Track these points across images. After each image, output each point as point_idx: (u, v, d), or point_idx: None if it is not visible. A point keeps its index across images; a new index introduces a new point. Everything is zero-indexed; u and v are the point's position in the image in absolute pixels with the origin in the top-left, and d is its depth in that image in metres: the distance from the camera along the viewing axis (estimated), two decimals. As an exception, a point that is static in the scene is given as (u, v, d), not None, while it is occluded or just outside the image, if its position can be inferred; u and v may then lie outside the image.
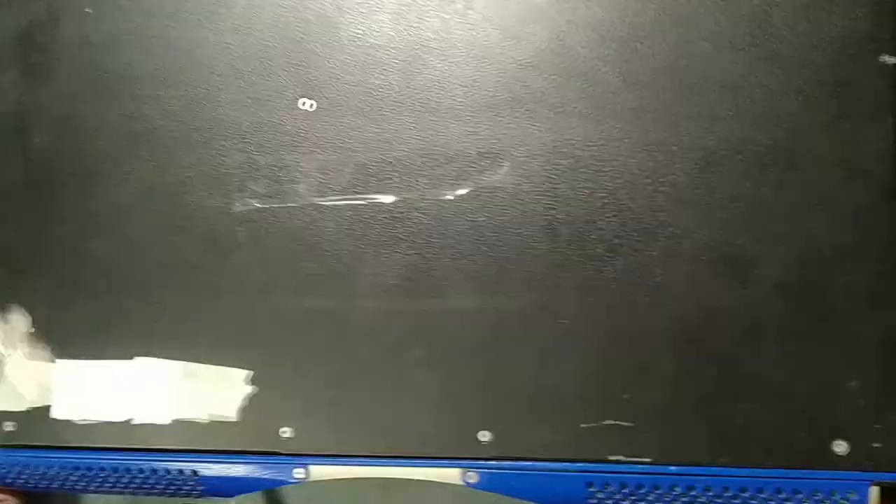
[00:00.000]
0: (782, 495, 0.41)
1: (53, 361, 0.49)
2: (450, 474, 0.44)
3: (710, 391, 0.41)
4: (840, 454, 0.40)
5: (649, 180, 0.42)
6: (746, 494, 0.41)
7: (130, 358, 0.48)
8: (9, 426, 0.50)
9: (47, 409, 0.49)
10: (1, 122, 0.51)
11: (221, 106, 0.48)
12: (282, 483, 0.46)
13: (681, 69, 0.42)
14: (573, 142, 0.43)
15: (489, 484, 0.44)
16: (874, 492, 0.40)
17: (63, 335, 0.50)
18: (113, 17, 0.50)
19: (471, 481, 0.44)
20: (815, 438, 0.41)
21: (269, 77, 0.47)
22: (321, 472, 0.46)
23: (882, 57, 0.40)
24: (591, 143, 0.43)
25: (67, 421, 0.49)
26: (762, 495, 0.41)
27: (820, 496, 0.40)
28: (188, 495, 0.48)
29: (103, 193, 0.49)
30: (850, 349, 0.40)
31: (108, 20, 0.50)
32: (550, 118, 0.44)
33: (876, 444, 0.40)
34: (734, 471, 0.41)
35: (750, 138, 0.41)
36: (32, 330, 0.50)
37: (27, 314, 0.50)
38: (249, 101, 0.47)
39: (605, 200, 0.43)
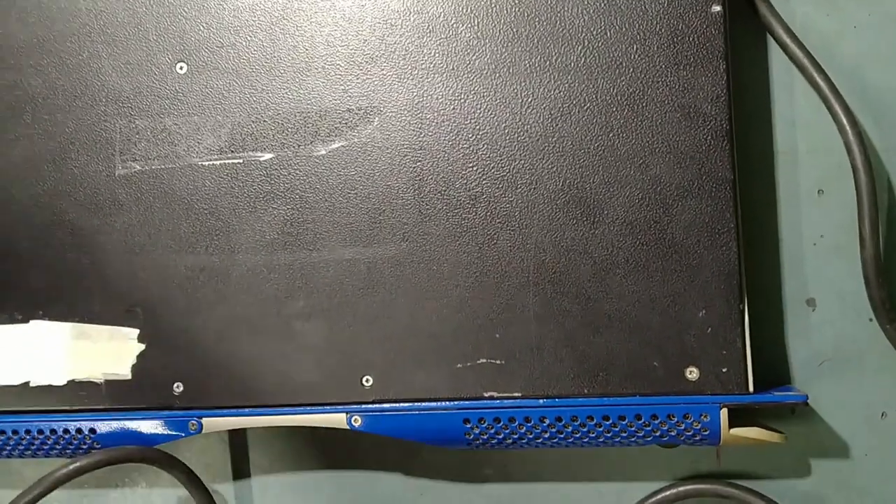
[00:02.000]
0: (642, 420, 0.48)
1: None
2: (336, 419, 0.52)
3: (571, 327, 0.49)
4: (692, 380, 0.48)
5: (506, 132, 0.50)
6: (609, 422, 0.48)
7: (22, 321, 0.55)
8: None
9: None
10: None
11: (101, 73, 0.55)
12: (177, 437, 0.53)
13: (530, 23, 0.49)
14: (435, 97, 0.50)
15: (373, 426, 0.51)
16: (724, 413, 0.47)
17: None
18: None
19: (356, 424, 0.51)
20: (669, 367, 0.48)
21: (144, 43, 0.54)
22: (214, 423, 0.53)
23: (712, 7, 0.48)
24: (451, 98, 0.50)
25: None
26: (623, 422, 0.48)
27: (676, 419, 0.48)
28: (86, 452, 0.57)
29: None
30: (695, 281, 0.48)
31: None
32: (413, 74, 0.51)
33: (724, 370, 0.47)
34: (597, 400, 0.49)
35: (596, 88, 0.49)
36: None
37: None
38: (127, 66, 0.54)
39: (467, 152, 0.50)
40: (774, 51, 0.53)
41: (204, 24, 0.54)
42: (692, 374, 0.49)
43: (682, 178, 0.48)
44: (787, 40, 0.51)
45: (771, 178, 0.53)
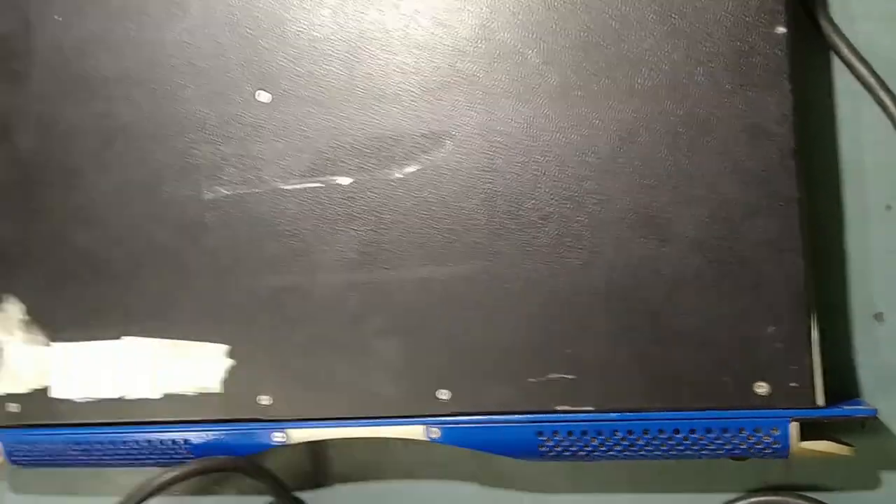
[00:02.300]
0: (712, 434, 0.49)
1: (49, 345, 0.60)
2: (414, 431, 0.54)
3: (641, 343, 0.50)
4: (762, 395, 0.49)
5: (575, 153, 0.51)
6: (680, 435, 0.50)
7: (119, 338, 0.59)
8: (12, 407, 0.61)
9: (46, 389, 0.60)
10: None
11: (187, 102, 0.58)
12: (265, 447, 0.56)
13: (597, 48, 0.51)
14: (505, 120, 0.52)
15: (450, 438, 0.53)
16: (793, 427, 0.48)
17: (55, 320, 0.60)
18: (81, 23, 0.60)
19: (433, 436, 0.54)
20: (739, 381, 0.49)
21: (226, 73, 0.57)
22: (299, 434, 0.56)
23: (776, 28, 0.49)
24: (521, 121, 0.52)
25: (66, 400, 0.60)
26: (694, 435, 0.49)
27: (746, 433, 0.49)
28: (180, 462, 0.60)
29: (84, 188, 0.60)
30: (763, 298, 0.49)
31: (76, 27, 0.60)
32: (483, 100, 0.53)
33: (793, 384, 0.48)
34: (668, 414, 0.50)
35: (663, 109, 0.50)
36: (27, 317, 0.61)
37: (21, 302, 0.61)
38: (212, 96, 0.57)
39: (537, 173, 0.52)
40: (839, 68, 0.53)
41: (284, 55, 0.57)
42: (761, 388, 0.50)
43: (749, 196, 0.50)
44: (852, 58, 0.52)
45: (838, 194, 0.54)
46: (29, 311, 0.61)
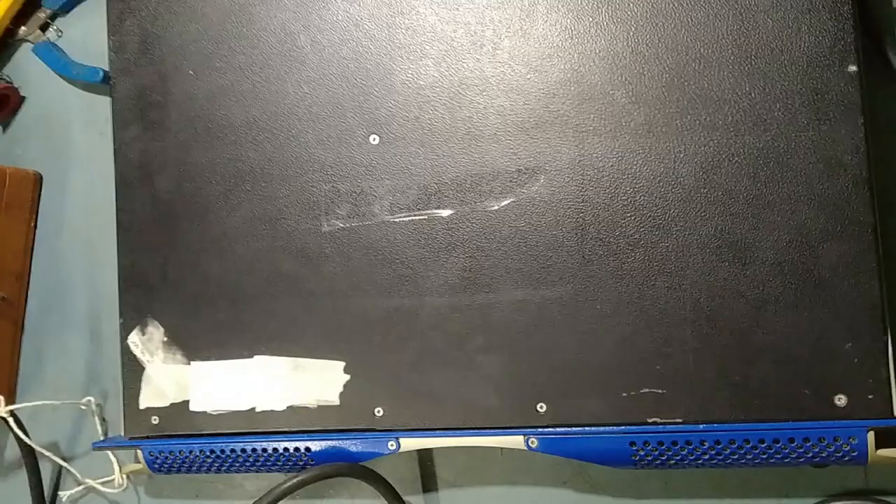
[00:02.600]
0: (794, 443, 0.52)
1: (187, 363, 0.66)
2: (514, 441, 0.57)
3: (726, 359, 0.53)
4: (840, 406, 0.51)
5: (661, 183, 0.55)
6: (764, 445, 0.52)
7: (249, 356, 0.64)
8: (155, 419, 0.67)
9: (185, 403, 0.66)
10: (130, 169, 0.68)
11: (306, 145, 0.63)
12: (378, 455, 0.61)
13: (680, 87, 0.55)
14: (595, 155, 0.56)
15: (548, 447, 0.57)
16: (871, 436, 0.51)
17: (192, 341, 0.66)
18: (211, 77, 0.66)
19: (533, 446, 0.57)
20: (819, 394, 0.52)
21: (341, 119, 0.62)
22: (409, 443, 0.60)
23: (849, 66, 0.52)
24: (609, 156, 0.56)
25: (203, 412, 0.65)
26: (777, 445, 0.52)
27: (825, 442, 0.51)
28: (303, 468, 0.65)
29: (217, 223, 0.65)
30: (841, 316, 0.51)
31: (207, 80, 0.66)
32: (574, 137, 0.57)
33: (870, 396, 0.51)
34: (752, 425, 0.53)
35: (743, 142, 0.53)
36: (167, 339, 0.67)
37: (161, 326, 0.67)
38: (328, 139, 0.63)
39: (625, 202, 0.56)
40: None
41: (392, 102, 0.62)
42: (840, 400, 0.52)
43: (826, 222, 0.52)
44: None
45: (913, 217, 0.56)
46: (169, 334, 0.67)
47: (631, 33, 0.56)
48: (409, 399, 0.61)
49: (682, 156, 0.55)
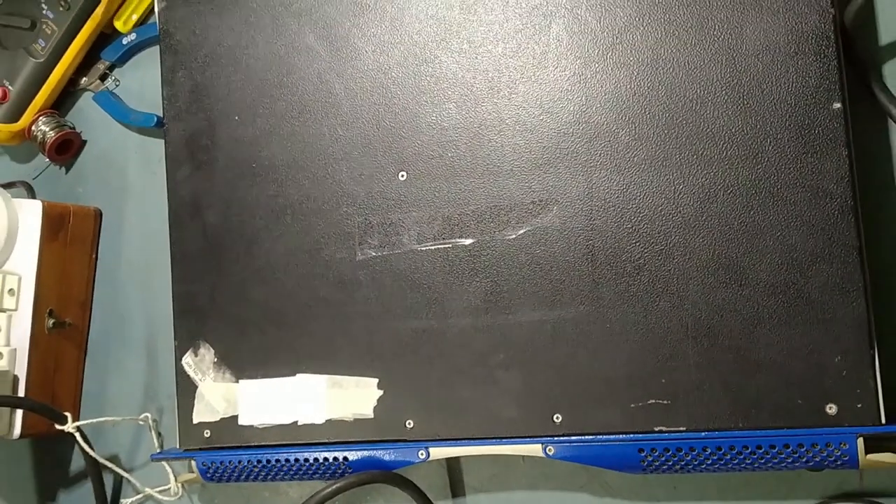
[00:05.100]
0: (789, 449, 0.53)
1: (236, 382, 0.68)
2: (533, 449, 0.59)
3: (726, 372, 0.55)
4: (832, 415, 0.53)
5: (662, 213, 0.57)
6: (762, 450, 0.54)
7: (291, 375, 0.67)
8: (207, 433, 0.69)
9: (234, 418, 0.68)
10: (181, 206, 0.71)
11: (341, 182, 0.66)
12: (409, 463, 0.63)
13: (679, 126, 0.57)
14: (602, 188, 0.58)
15: (564, 454, 0.58)
16: (860, 442, 0.52)
17: (240, 361, 0.68)
18: (254, 121, 0.69)
19: (550, 453, 0.59)
20: (811, 403, 0.53)
21: (373, 158, 0.65)
22: (438, 452, 0.62)
23: (833, 104, 0.53)
24: (615, 188, 0.58)
25: (250, 426, 0.68)
26: (774, 450, 0.53)
27: (819, 447, 0.52)
28: (341, 476, 0.66)
29: (261, 253, 0.68)
30: (831, 332, 0.53)
31: (251, 124, 0.69)
32: (583, 171, 0.59)
33: (858, 405, 0.52)
34: (750, 433, 0.54)
35: (737, 174, 0.55)
36: (216, 360, 0.69)
37: (211, 348, 0.69)
38: (362, 177, 0.65)
39: (630, 230, 0.58)
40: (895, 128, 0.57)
41: (418, 142, 0.64)
42: (831, 409, 0.53)
43: (814, 246, 0.54)
44: None
45: (896, 239, 0.57)
46: (219, 355, 0.69)
47: (633, 77, 0.59)
48: (437, 411, 0.63)
49: (681, 187, 0.57)
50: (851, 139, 0.54)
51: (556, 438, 0.59)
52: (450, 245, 0.63)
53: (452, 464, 0.69)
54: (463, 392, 0.62)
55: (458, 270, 0.63)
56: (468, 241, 0.63)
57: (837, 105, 0.54)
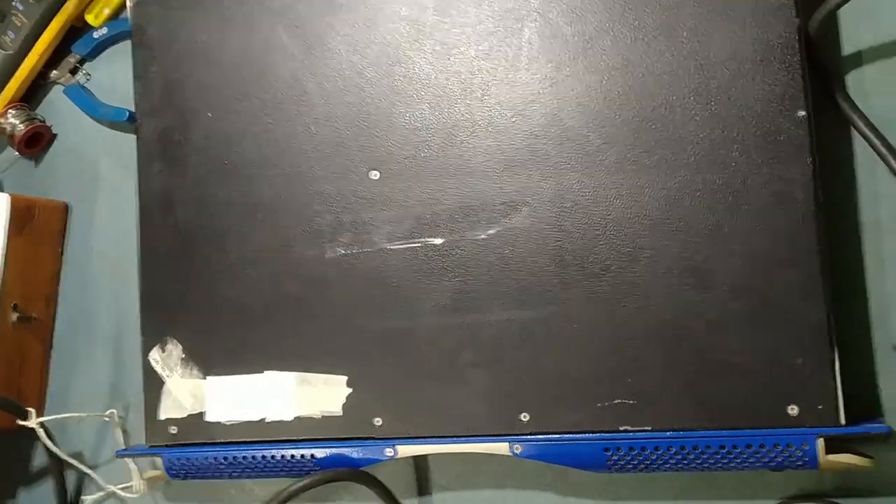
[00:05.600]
0: (751, 449, 0.54)
1: (203, 378, 0.67)
2: (500, 447, 0.59)
3: (690, 373, 0.55)
4: (793, 415, 0.53)
5: (630, 216, 0.57)
6: (724, 450, 0.54)
7: (260, 371, 0.66)
8: (173, 429, 0.68)
9: (201, 414, 0.67)
10: (152, 201, 0.70)
11: (313, 180, 0.65)
12: (376, 461, 0.62)
13: (647, 130, 0.57)
14: (572, 190, 0.58)
15: (530, 453, 0.58)
16: (820, 442, 0.52)
17: (208, 358, 0.67)
18: (228, 119, 0.68)
19: (517, 452, 0.59)
20: (773, 404, 0.54)
21: (345, 156, 0.64)
22: (405, 450, 0.61)
23: (798, 112, 0.54)
24: (585, 191, 0.58)
25: (217, 422, 0.67)
26: (736, 450, 0.54)
27: (780, 448, 0.53)
28: (308, 474, 0.65)
29: (231, 250, 0.67)
30: (792, 335, 0.53)
31: (224, 121, 0.68)
32: (554, 174, 0.59)
33: (819, 406, 0.53)
34: (713, 433, 0.54)
35: (704, 179, 0.56)
36: (184, 356, 0.68)
37: (179, 344, 0.68)
38: (334, 175, 0.64)
39: (598, 233, 0.58)
40: (858, 138, 0.58)
41: (391, 141, 0.64)
42: (793, 410, 0.54)
43: (778, 250, 0.55)
44: (866, 130, 0.56)
45: (859, 245, 0.58)
46: (187, 351, 0.69)
47: (604, 82, 0.59)
48: (405, 410, 0.63)
49: (649, 191, 0.58)
50: (815, 147, 0.55)
51: (522, 437, 0.59)
52: (420, 244, 0.63)
53: (420, 462, 0.68)
54: (431, 390, 0.62)
55: (428, 270, 0.63)
56: (438, 241, 0.62)
57: (802, 113, 0.55)
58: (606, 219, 0.59)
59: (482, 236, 0.61)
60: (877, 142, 0.56)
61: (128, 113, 0.77)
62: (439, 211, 0.63)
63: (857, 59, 0.59)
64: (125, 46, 0.77)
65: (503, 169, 0.61)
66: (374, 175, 0.64)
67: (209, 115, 0.69)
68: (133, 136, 0.73)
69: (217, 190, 0.69)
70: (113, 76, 0.81)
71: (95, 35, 0.81)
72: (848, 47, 0.59)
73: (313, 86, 0.67)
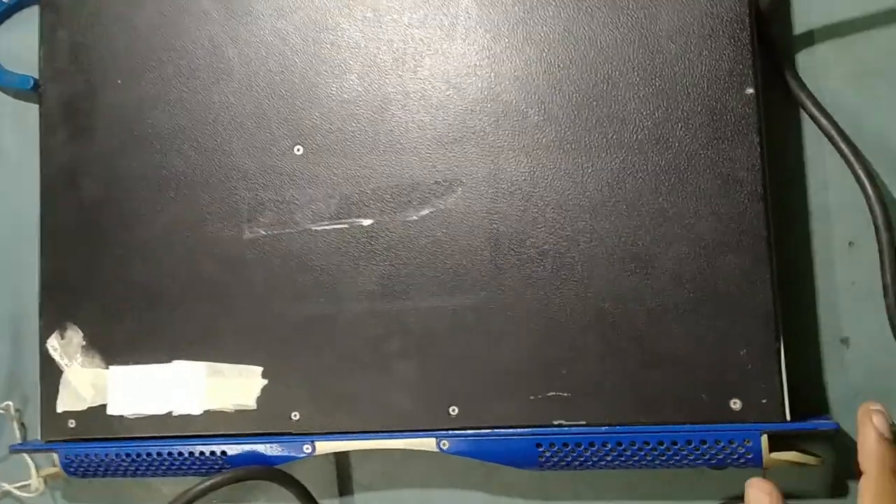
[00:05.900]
0: (692, 445, 0.51)
1: (105, 367, 0.62)
2: (427, 443, 0.56)
3: (628, 364, 0.52)
4: (736, 410, 0.51)
5: (569, 197, 0.54)
6: (663, 447, 0.51)
7: (167, 361, 0.61)
8: (71, 423, 0.63)
9: (103, 407, 0.63)
10: (55, 175, 0.65)
11: (231, 154, 0.61)
12: (294, 458, 0.58)
13: (589, 107, 0.54)
14: (509, 170, 0.55)
15: (458, 449, 0.55)
16: (764, 439, 0.50)
17: (111, 345, 0.63)
18: (139, 86, 0.63)
19: (444, 448, 0.55)
20: (716, 398, 0.51)
21: (267, 129, 0.60)
22: (325, 446, 0.58)
23: (746, 89, 0.52)
24: (522, 170, 0.55)
25: (119, 416, 0.62)
26: (676, 447, 0.51)
27: (722, 444, 0.50)
28: (218, 472, 0.62)
29: (140, 228, 0.62)
30: (736, 324, 0.51)
31: (135, 89, 0.63)
32: (490, 152, 0.56)
33: (763, 401, 0.50)
34: (652, 428, 0.52)
35: (647, 159, 0.53)
36: (85, 343, 0.63)
37: (80, 330, 0.63)
38: (253, 149, 0.60)
39: (536, 215, 0.55)
40: (807, 118, 0.56)
41: (317, 114, 0.60)
42: (735, 404, 0.52)
43: (723, 235, 0.52)
44: (815, 112, 0.54)
45: (806, 232, 0.56)
46: (88, 338, 0.63)
47: (544, 55, 0.56)
48: (326, 403, 0.58)
49: (589, 171, 0.55)
50: (763, 126, 0.52)
51: (451, 432, 0.56)
52: (347, 225, 0.59)
53: (341, 459, 0.64)
54: (354, 382, 0.58)
55: (355, 252, 0.59)
56: (367, 222, 0.59)
57: (750, 90, 0.52)
58: (544, 200, 0.55)
59: (413, 217, 0.58)
60: (826, 124, 0.54)
61: (33, 80, 0.71)
62: (368, 190, 0.59)
63: (809, 38, 0.56)
64: (33, 12, 0.71)
65: (436, 146, 0.58)
66: (298, 150, 0.60)
67: (119, 81, 0.65)
68: (38, 106, 0.68)
69: (126, 163, 0.64)
70: (20, 42, 0.75)
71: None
72: (799, 25, 0.56)
73: (233, 52, 0.62)
